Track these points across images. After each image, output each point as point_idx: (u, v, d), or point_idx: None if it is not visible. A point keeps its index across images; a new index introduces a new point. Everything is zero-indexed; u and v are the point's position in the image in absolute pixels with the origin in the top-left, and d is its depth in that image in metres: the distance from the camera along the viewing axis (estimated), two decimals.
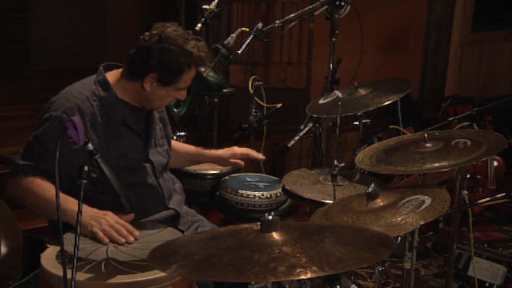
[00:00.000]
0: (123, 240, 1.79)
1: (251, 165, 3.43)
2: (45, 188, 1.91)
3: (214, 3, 2.91)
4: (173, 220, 2.19)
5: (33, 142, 1.98)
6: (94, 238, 1.79)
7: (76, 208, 1.76)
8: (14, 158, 2.01)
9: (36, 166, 1.94)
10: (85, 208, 1.83)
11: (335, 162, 2.22)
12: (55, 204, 1.57)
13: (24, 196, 1.95)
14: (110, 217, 1.84)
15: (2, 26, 6.30)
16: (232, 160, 2.43)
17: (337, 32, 2.84)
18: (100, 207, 1.87)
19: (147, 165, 2.14)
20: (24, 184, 1.94)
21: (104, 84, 2.06)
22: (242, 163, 2.43)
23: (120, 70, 2.10)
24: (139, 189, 2.09)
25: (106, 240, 1.78)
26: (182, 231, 2.16)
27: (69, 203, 1.81)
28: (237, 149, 2.46)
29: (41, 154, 1.94)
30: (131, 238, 1.80)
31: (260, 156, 2.49)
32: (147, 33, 2.03)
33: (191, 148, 2.50)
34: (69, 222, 1.78)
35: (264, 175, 2.65)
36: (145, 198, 2.10)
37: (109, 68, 2.12)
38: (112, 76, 2.09)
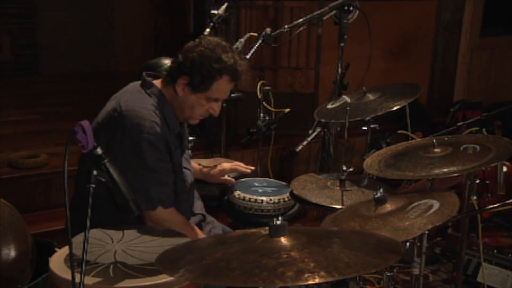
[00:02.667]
0: None
1: (259, 169, 3.43)
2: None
3: (222, 8, 2.92)
4: (199, 225, 2.22)
5: (148, 175, 1.96)
6: None
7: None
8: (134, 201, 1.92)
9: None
10: None
11: (343, 167, 2.21)
12: None
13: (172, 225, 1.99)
14: None
15: (11, 31, 6.35)
16: (222, 178, 2.44)
17: (345, 37, 2.84)
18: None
19: (188, 173, 2.19)
20: (166, 216, 2.00)
21: (160, 96, 2.05)
22: (233, 180, 2.43)
23: (160, 80, 2.10)
24: (183, 196, 2.14)
25: None
26: None
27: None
28: (225, 165, 2.46)
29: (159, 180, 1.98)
30: None
31: (249, 169, 2.47)
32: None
33: None
34: None
35: (272, 180, 2.65)
36: (182, 204, 2.13)
37: (150, 78, 2.12)
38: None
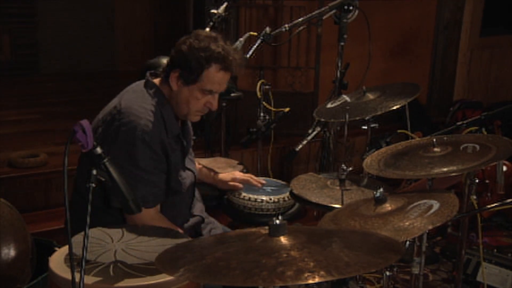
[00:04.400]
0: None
1: (259, 169, 3.43)
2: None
3: (222, 8, 2.92)
4: (197, 227, 2.21)
5: (136, 173, 1.95)
6: None
7: None
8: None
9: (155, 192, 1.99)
10: None
11: (343, 167, 2.21)
12: None
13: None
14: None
15: (12, 31, 6.35)
16: (231, 183, 2.42)
17: (345, 36, 2.84)
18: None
19: (190, 174, 2.17)
20: (147, 216, 1.96)
21: (160, 96, 2.05)
22: (241, 186, 2.41)
23: (159, 79, 2.10)
24: (178, 197, 2.12)
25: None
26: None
27: None
28: (238, 174, 2.46)
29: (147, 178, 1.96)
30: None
31: (260, 183, 2.47)
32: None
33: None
34: None
35: (272, 179, 2.65)
36: (178, 206, 2.12)
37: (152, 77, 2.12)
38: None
